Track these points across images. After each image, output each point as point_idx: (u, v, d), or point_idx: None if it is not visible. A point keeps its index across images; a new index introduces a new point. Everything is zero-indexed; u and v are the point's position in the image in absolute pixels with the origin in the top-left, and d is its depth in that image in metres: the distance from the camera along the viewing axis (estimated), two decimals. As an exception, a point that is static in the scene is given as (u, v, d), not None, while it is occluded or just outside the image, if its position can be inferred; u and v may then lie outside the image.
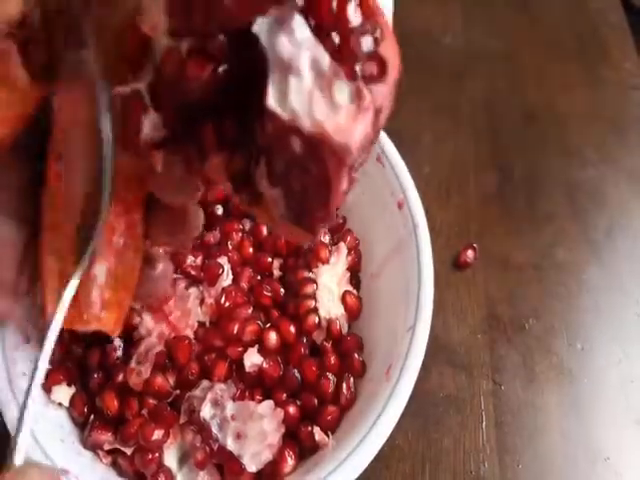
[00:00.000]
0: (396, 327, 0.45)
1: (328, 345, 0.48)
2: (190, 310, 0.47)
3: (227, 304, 0.47)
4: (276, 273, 0.52)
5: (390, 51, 0.24)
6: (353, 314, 0.50)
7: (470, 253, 0.62)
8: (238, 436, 0.43)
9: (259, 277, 0.51)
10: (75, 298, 0.33)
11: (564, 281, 0.62)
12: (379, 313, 0.50)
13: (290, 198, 0.26)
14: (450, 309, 0.59)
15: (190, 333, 0.47)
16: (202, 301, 0.48)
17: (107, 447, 0.44)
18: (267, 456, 0.43)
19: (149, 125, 0.26)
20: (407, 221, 0.49)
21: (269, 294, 0.50)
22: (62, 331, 0.31)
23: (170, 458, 0.45)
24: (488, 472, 0.50)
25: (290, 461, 0.43)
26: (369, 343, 0.49)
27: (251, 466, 0.43)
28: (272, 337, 0.47)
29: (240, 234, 0.53)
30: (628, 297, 0.61)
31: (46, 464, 0.28)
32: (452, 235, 0.64)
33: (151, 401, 0.45)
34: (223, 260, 0.50)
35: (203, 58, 0.24)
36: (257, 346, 0.47)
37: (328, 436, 0.44)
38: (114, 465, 0.45)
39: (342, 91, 0.23)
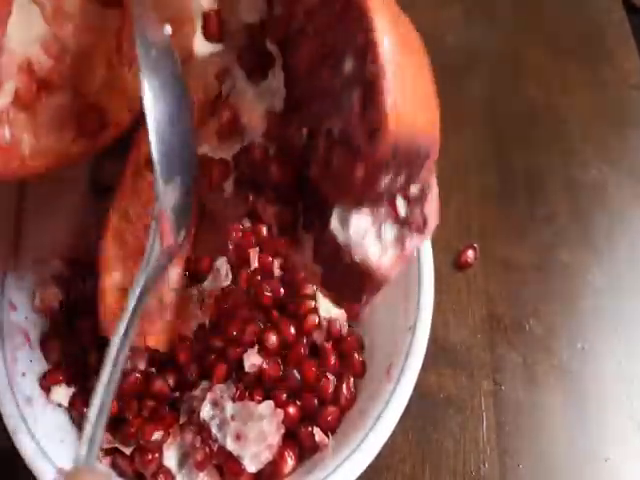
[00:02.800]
0: (396, 327, 0.45)
1: (328, 345, 0.48)
2: (190, 311, 0.47)
3: (227, 305, 0.47)
4: (276, 273, 0.52)
5: (433, 213, 0.30)
6: (353, 314, 0.50)
7: (470, 253, 0.62)
8: (238, 437, 0.43)
9: (259, 277, 0.51)
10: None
11: (564, 281, 0.62)
12: (379, 313, 0.50)
13: (326, 277, 0.33)
14: (450, 309, 0.59)
15: (190, 334, 0.47)
16: (202, 302, 0.48)
17: (106, 446, 0.44)
18: (267, 457, 0.43)
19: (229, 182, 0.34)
20: (407, 221, 0.48)
21: (269, 294, 0.49)
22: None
23: (170, 458, 0.44)
24: (488, 472, 0.50)
25: (290, 462, 0.43)
26: (369, 343, 0.49)
27: (251, 467, 0.43)
28: (272, 337, 0.47)
29: (240, 234, 0.53)
30: (629, 297, 0.61)
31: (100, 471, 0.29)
32: (453, 235, 0.64)
33: (150, 402, 0.45)
34: (222, 260, 0.50)
35: (283, 165, 0.31)
36: (257, 346, 0.47)
37: (328, 436, 0.44)
38: (113, 465, 0.44)
39: (390, 234, 0.29)
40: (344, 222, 0.29)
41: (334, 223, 0.29)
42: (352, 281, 0.31)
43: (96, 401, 0.28)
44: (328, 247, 0.31)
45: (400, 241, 0.29)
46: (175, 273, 0.38)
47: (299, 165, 0.31)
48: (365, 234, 0.29)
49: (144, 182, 0.34)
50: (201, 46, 0.32)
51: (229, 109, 0.32)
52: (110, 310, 0.37)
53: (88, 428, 0.28)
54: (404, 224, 0.29)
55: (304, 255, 0.34)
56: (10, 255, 0.35)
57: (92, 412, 0.28)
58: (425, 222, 0.29)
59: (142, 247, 0.36)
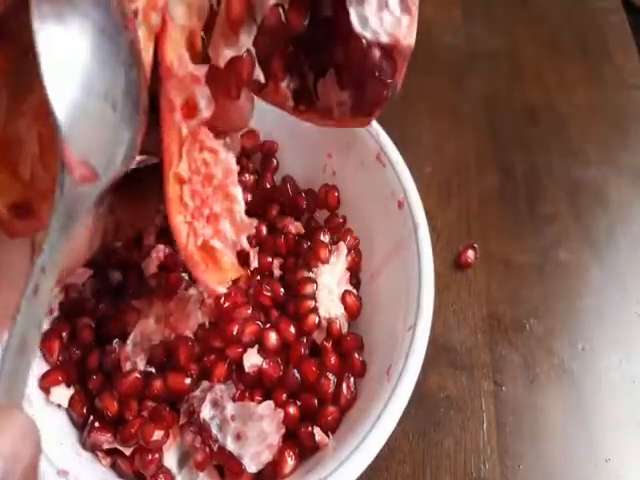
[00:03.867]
0: (396, 327, 0.45)
1: (328, 345, 0.48)
2: (190, 311, 0.47)
3: (227, 304, 0.47)
4: (276, 273, 0.52)
5: None
6: (353, 314, 0.50)
7: (471, 253, 0.62)
8: (238, 437, 0.43)
9: (259, 277, 0.51)
10: (211, 259, 0.39)
11: (565, 281, 0.62)
12: (379, 313, 0.50)
13: (357, 94, 0.36)
14: (450, 309, 0.59)
15: (190, 334, 0.47)
16: (202, 302, 0.48)
17: (106, 446, 0.44)
18: (267, 456, 0.43)
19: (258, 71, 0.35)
20: (407, 221, 0.48)
21: (269, 294, 0.50)
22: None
23: (170, 459, 0.44)
24: (489, 473, 0.50)
25: (290, 461, 0.43)
26: (369, 343, 0.49)
27: (251, 466, 0.43)
28: (272, 337, 0.47)
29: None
30: (629, 297, 0.61)
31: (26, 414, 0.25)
32: (453, 235, 0.64)
33: (150, 403, 0.45)
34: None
35: (301, 9, 0.33)
36: (257, 346, 0.47)
37: (328, 436, 0.43)
38: (113, 466, 0.44)
39: (394, 3, 0.33)
40: (363, 21, 0.33)
41: (357, 27, 0.33)
42: (381, 70, 0.35)
43: (19, 322, 0.26)
44: (353, 61, 0.34)
45: (404, 6, 0.34)
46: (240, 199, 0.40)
47: (309, 9, 0.34)
48: (381, 19, 0.33)
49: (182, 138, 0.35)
50: None
51: None
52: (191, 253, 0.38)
53: (7, 354, 0.25)
54: None
55: (329, 96, 0.37)
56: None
57: (15, 332, 0.25)
58: None
59: (203, 199, 0.37)
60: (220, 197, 0.39)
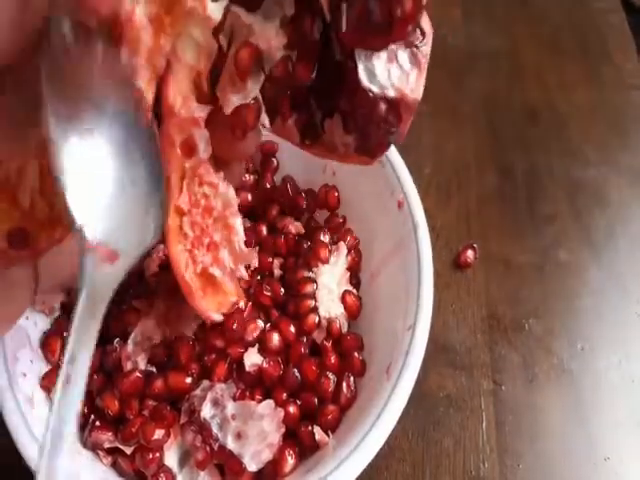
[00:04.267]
0: (396, 326, 0.45)
1: (328, 344, 0.48)
2: (191, 311, 0.47)
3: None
4: (276, 273, 0.52)
5: (426, 22, 0.34)
6: (353, 313, 0.50)
7: (470, 253, 0.62)
8: (238, 436, 0.43)
9: (259, 277, 0.51)
10: (211, 286, 0.40)
11: (564, 281, 0.62)
12: (379, 312, 0.50)
13: (361, 139, 0.36)
14: (450, 309, 0.59)
15: (190, 333, 0.47)
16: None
17: (107, 445, 0.44)
18: (267, 455, 0.43)
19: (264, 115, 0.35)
20: (407, 221, 0.49)
21: (269, 294, 0.50)
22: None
23: (171, 458, 0.44)
24: (488, 472, 0.50)
25: (290, 460, 0.43)
26: (369, 342, 0.49)
27: (251, 465, 0.43)
28: (273, 337, 0.47)
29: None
30: (628, 297, 0.61)
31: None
32: (452, 235, 0.64)
33: (151, 402, 0.45)
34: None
35: (308, 63, 0.33)
36: (257, 346, 0.47)
37: (328, 435, 0.44)
38: (114, 465, 0.45)
39: (404, 57, 0.33)
40: (371, 75, 0.32)
41: (364, 81, 0.32)
42: (387, 122, 0.34)
43: (54, 417, 0.25)
44: (359, 113, 0.34)
45: (414, 59, 0.33)
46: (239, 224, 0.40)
47: (318, 57, 0.34)
48: (389, 72, 0.33)
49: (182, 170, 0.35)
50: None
51: (245, 46, 0.32)
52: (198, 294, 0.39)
53: (43, 453, 0.24)
54: (409, 44, 0.33)
55: (334, 136, 0.37)
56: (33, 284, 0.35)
57: (50, 427, 0.24)
58: (423, 32, 0.33)
59: (203, 229, 0.38)
60: (220, 227, 0.39)
